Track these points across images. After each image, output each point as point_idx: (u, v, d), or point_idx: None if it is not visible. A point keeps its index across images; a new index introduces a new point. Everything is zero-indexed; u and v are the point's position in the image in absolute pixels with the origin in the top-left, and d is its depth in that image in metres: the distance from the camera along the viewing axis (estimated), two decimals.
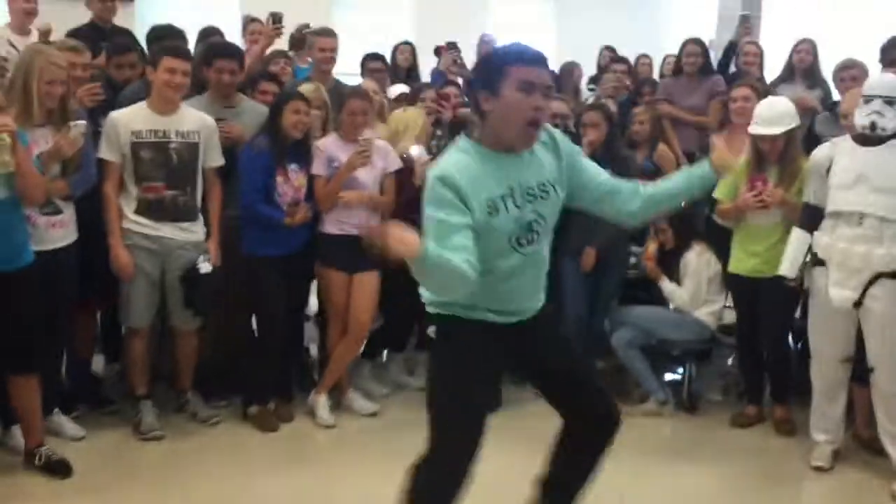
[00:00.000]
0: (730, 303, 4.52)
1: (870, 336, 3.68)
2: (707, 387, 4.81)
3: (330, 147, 4.17)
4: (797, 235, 3.91)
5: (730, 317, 4.53)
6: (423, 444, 2.47)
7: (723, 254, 4.41)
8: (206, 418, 4.12)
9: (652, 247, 4.51)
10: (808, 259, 3.86)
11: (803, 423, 4.11)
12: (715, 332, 4.55)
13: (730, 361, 5.05)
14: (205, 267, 3.83)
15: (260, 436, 4.06)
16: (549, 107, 2.39)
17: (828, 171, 3.76)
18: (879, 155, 3.62)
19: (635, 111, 5.03)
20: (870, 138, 3.64)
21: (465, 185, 2.25)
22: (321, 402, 4.23)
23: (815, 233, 3.81)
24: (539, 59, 2.32)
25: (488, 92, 2.29)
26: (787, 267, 3.91)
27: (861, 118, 3.65)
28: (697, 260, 4.46)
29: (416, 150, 4.36)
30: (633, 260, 4.68)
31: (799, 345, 4.69)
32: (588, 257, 4.36)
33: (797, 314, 4.40)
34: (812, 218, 3.85)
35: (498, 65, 2.29)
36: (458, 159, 2.33)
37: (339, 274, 4.17)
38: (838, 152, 3.75)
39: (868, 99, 3.65)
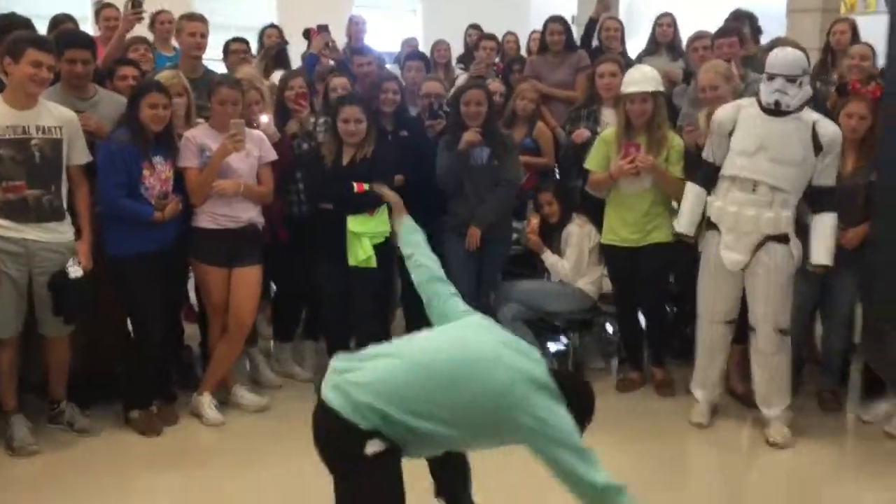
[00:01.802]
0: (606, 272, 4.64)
1: (754, 298, 3.85)
2: (590, 355, 4.94)
3: (200, 137, 4.01)
4: (693, 191, 3.98)
5: (609, 286, 4.65)
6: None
7: (599, 225, 4.53)
8: (84, 428, 3.91)
9: (535, 221, 4.58)
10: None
11: (680, 383, 4.29)
12: (596, 301, 4.66)
13: (610, 329, 5.21)
14: (74, 271, 3.60)
15: (143, 441, 3.88)
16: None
17: (730, 133, 3.85)
18: (783, 127, 3.72)
19: (522, 87, 5.03)
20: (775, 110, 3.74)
21: None
22: (205, 401, 4.08)
23: (708, 197, 3.93)
24: None
25: None
26: (685, 224, 4.00)
27: (766, 96, 3.74)
28: (579, 232, 4.55)
29: (263, 119, 4.29)
30: (514, 236, 4.74)
31: (674, 309, 4.88)
32: (472, 235, 4.37)
33: (671, 279, 4.58)
34: (707, 175, 3.94)
35: None
36: None
37: (217, 269, 4.04)
38: (743, 117, 3.81)
39: (771, 76, 3.74)
